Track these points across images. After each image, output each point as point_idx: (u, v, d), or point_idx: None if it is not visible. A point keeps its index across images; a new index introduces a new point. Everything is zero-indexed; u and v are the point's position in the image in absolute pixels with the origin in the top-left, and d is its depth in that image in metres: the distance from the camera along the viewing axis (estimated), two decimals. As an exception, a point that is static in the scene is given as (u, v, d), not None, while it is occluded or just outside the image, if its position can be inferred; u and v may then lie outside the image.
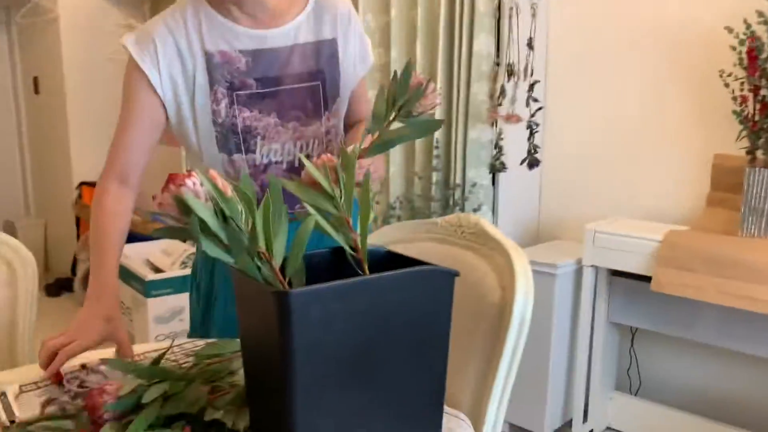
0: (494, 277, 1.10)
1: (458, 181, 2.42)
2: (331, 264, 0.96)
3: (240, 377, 1.06)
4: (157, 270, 2.98)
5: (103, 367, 1.17)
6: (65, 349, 1.11)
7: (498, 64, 2.36)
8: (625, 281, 2.24)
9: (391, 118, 1.00)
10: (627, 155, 2.42)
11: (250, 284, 0.84)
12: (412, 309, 0.85)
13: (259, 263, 0.86)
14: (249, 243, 0.84)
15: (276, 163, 1.29)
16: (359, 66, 1.37)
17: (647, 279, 2.06)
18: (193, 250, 3.11)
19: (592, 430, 2.38)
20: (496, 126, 2.40)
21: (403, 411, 0.86)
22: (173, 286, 2.82)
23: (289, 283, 0.86)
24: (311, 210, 0.91)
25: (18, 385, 1.09)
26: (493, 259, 1.13)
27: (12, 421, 0.96)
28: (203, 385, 1.02)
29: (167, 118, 1.27)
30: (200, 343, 1.29)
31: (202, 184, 0.83)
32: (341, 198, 0.93)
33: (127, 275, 2.95)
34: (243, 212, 0.86)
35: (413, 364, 0.86)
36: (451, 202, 2.41)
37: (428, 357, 0.88)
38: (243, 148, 1.26)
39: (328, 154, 0.98)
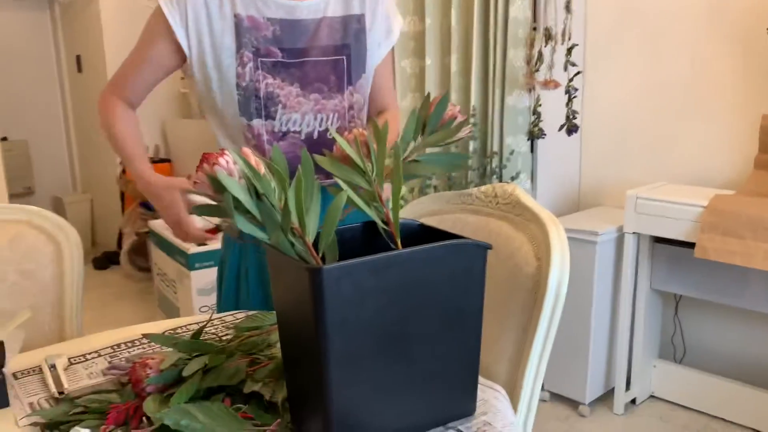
0: (530, 248, 1.09)
1: (495, 148, 2.39)
2: (363, 238, 0.96)
3: (278, 350, 1.08)
4: (200, 243, 3.04)
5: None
6: (193, 233, 1.22)
7: (535, 29, 2.30)
8: (669, 248, 2.19)
9: (416, 142, 1.00)
10: (670, 118, 2.35)
11: (284, 260, 0.85)
12: (445, 283, 0.85)
13: (292, 239, 0.86)
14: (282, 219, 0.85)
15: (294, 132, 1.30)
16: (384, 43, 1.36)
17: (691, 245, 2.02)
18: (234, 222, 3.15)
19: (635, 398, 2.36)
20: (534, 92, 2.35)
21: (437, 383, 0.87)
22: (215, 258, 2.88)
23: (323, 259, 0.87)
24: (343, 185, 0.91)
25: (67, 357, 1.13)
26: (528, 230, 1.12)
27: (61, 392, 1.00)
28: (242, 358, 1.04)
29: (184, 68, 1.30)
30: (240, 315, 1.31)
31: (235, 163, 0.84)
32: (373, 172, 0.93)
33: (170, 249, 3.02)
34: (276, 189, 0.87)
35: (447, 337, 0.87)
36: (488, 171, 2.38)
37: (462, 330, 0.88)
38: (263, 114, 1.27)
39: (360, 129, 0.98)
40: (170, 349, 1.03)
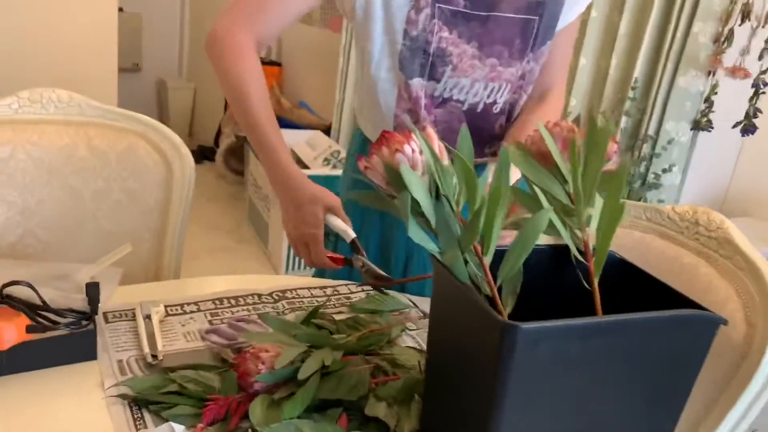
0: (739, 305, 0.87)
1: (651, 132, 2.09)
2: (549, 265, 0.76)
3: (401, 350, 0.93)
4: (299, 162, 2.91)
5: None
6: (317, 258, 1.07)
7: (733, 1, 1.95)
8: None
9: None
10: None
11: (455, 284, 0.66)
12: (657, 356, 0.66)
13: (466, 256, 0.68)
14: (463, 235, 0.66)
15: (456, 101, 1.09)
16: (576, 6, 1.11)
17: None
18: (337, 147, 2.99)
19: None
20: (713, 76, 2.01)
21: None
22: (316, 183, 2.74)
23: (499, 289, 0.68)
24: (542, 198, 0.71)
25: (164, 306, 1.00)
26: (738, 281, 0.89)
27: (154, 356, 0.87)
28: (364, 363, 0.88)
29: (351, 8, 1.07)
30: (356, 289, 1.16)
31: (421, 152, 0.64)
32: (578, 182, 0.71)
33: (269, 162, 2.90)
34: (456, 188, 0.68)
35: (639, 417, 0.69)
36: (635, 156, 2.10)
37: (660, 411, 0.71)
38: (427, 73, 1.06)
39: (568, 121, 0.75)
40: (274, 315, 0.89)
